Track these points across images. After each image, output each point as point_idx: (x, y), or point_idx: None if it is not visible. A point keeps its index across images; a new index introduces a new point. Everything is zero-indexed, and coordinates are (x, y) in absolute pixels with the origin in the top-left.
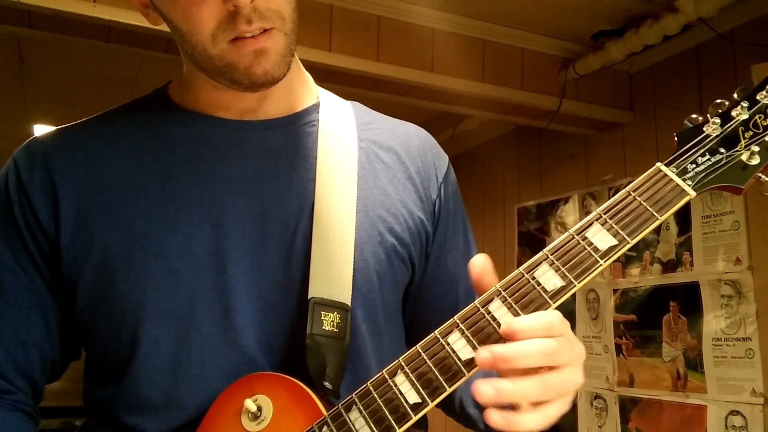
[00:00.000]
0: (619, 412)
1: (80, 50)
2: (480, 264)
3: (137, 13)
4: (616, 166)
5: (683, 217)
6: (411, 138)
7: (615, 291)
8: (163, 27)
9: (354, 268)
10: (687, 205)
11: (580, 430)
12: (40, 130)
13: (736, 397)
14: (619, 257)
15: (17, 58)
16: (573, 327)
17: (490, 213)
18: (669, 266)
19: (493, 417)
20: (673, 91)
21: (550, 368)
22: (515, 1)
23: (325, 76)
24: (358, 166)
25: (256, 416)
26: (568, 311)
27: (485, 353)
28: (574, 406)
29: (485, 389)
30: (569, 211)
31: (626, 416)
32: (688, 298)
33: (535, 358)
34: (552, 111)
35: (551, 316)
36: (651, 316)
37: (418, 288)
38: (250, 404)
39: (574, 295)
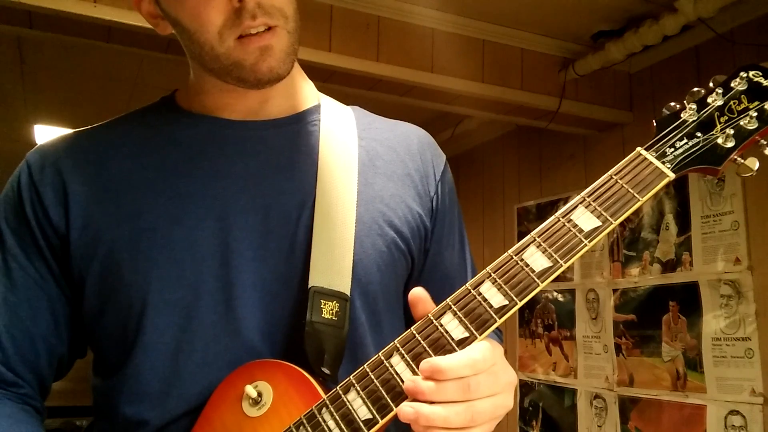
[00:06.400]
0: (618, 412)
1: (80, 50)
2: (418, 293)
3: (137, 13)
4: None
5: (683, 217)
6: (410, 137)
7: (615, 291)
8: None
9: (354, 259)
10: (687, 205)
11: (580, 430)
12: (41, 130)
13: (735, 396)
14: (603, 238)
15: (17, 58)
16: (573, 327)
17: (490, 213)
18: (668, 266)
19: (404, 409)
20: (673, 91)
21: None
22: (515, 1)
23: (325, 77)
24: (358, 163)
25: (256, 402)
26: (568, 311)
27: (406, 408)
28: (573, 406)
29: (407, 409)
30: None
31: (626, 416)
32: (688, 298)
33: (454, 398)
34: (552, 111)
35: (474, 353)
36: (650, 316)
37: (415, 284)
38: (250, 390)
39: (573, 294)
